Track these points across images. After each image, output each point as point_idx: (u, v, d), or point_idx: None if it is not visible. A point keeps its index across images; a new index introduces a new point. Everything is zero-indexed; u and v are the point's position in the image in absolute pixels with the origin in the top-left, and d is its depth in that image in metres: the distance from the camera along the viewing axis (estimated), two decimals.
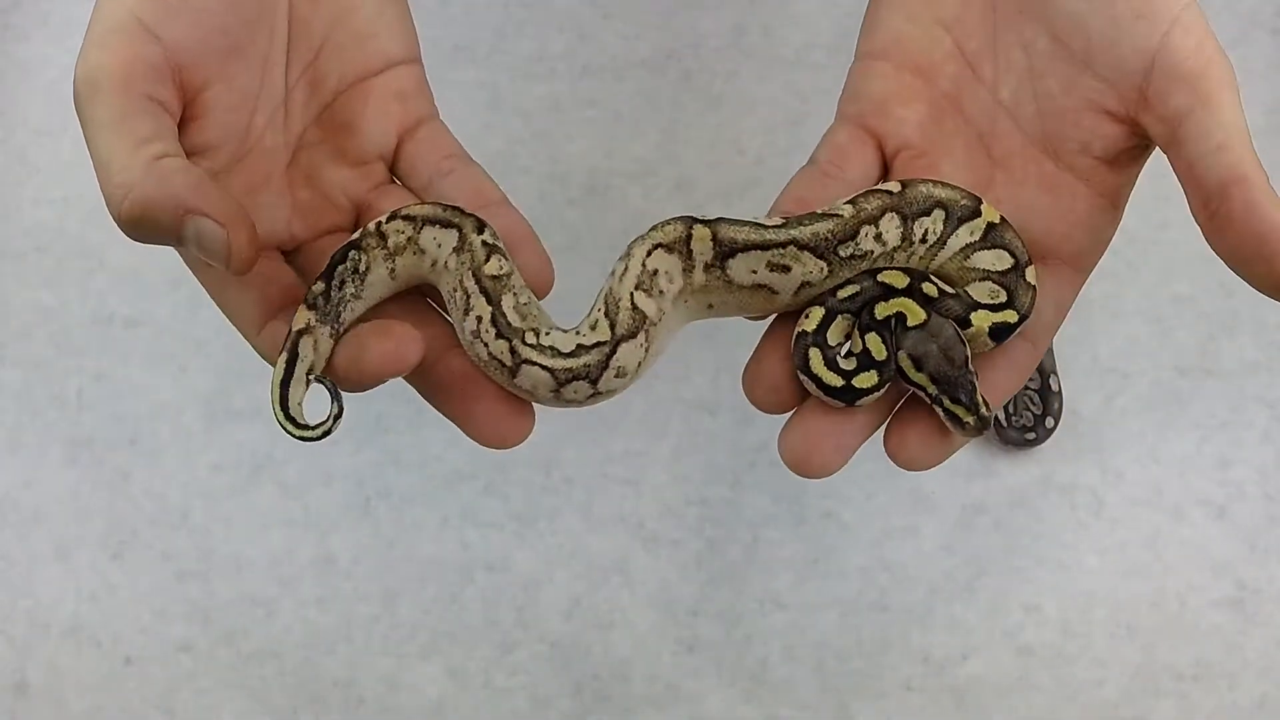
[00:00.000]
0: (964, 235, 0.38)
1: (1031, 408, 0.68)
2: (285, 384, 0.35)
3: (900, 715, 0.66)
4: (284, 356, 0.35)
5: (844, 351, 0.37)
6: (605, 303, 0.37)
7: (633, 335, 0.36)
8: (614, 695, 0.66)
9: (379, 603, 0.68)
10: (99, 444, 0.70)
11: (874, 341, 0.36)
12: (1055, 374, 0.68)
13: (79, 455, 0.70)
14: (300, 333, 0.35)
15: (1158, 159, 0.67)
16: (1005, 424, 0.68)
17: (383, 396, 0.73)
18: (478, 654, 0.67)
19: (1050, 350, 0.69)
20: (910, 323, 0.36)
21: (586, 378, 0.36)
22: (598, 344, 0.36)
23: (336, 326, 0.36)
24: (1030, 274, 0.36)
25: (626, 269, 0.37)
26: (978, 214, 0.37)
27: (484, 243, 0.36)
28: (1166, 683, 0.66)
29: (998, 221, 0.37)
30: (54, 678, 0.67)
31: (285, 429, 0.35)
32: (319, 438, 0.35)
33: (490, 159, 0.79)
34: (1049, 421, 0.68)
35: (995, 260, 0.37)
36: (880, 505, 0.69)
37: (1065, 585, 0.68)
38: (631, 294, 0.36)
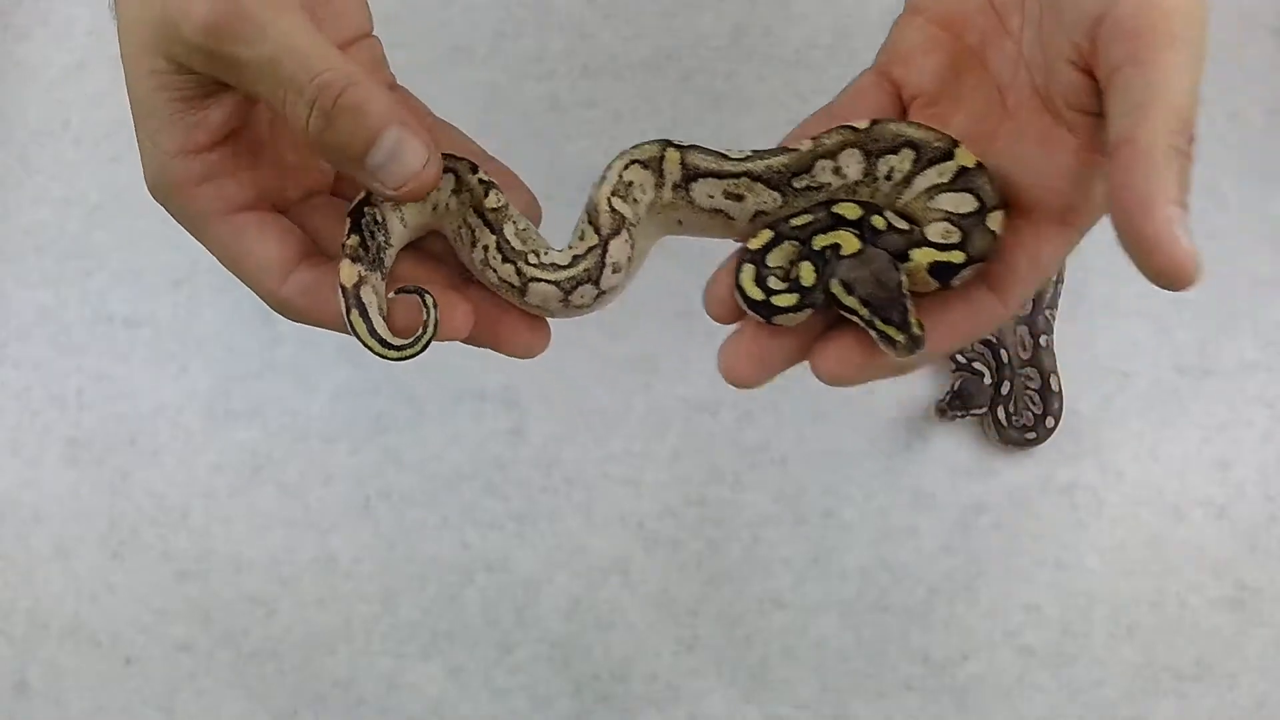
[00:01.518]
0: (932, 176, 0.38)
1: (1031, 407, 0.68)
2: (371, 329, 0.37)
3: (900, 715, 0.66)
4: (354, 312, 0.37)
5: (786, 275, 0.38)
6: (588, 214, 0.40)
7: (617, 233, 0.40)
8: (614, 695, 0.66)
9: (379, 603, 0.68)
10: (99, 444, 0.70)
11: (805, 269, 0.38)
12: (1055, 374, 0.68)
13: (79, 455, 0.70)
14: (357, 285, 0.37)
15: None
16: (1005, 424, 0.68)
17: (383, 397, 0.74)
18: (478, 654, 0.67)
19: (1050, 350, 0.69)
20: (844, 252, 0.38)
21: (589, 280, 0.39)
22: (590, 249, 0.39)
23: (383, 271, 0.38)
24: (994, 220, 0.37)
25: (605, 179, 0.41)
26: (950, 157, 0.38)
27: (480, 180, 0.40)
28: (1166, 683, 0.66)
29: (972, 166, 0.38)
30: (54, 678, 0.67)
31: (389, 357, 0.37)
32: (423, 348, 0.38)
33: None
34: (1049, 421, 0.68)
35: (958, 203, 0.38)
36: (880, 505, 0.69)
37: (1065, 585, 0.68)
38: (609, 199, 0.40)
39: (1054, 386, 0.68)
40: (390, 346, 0.37)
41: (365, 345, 0.37)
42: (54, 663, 0.68)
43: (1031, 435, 0.68)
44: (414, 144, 0.35)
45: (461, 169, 0.40)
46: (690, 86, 0.76)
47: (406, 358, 0.38)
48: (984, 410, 0.67)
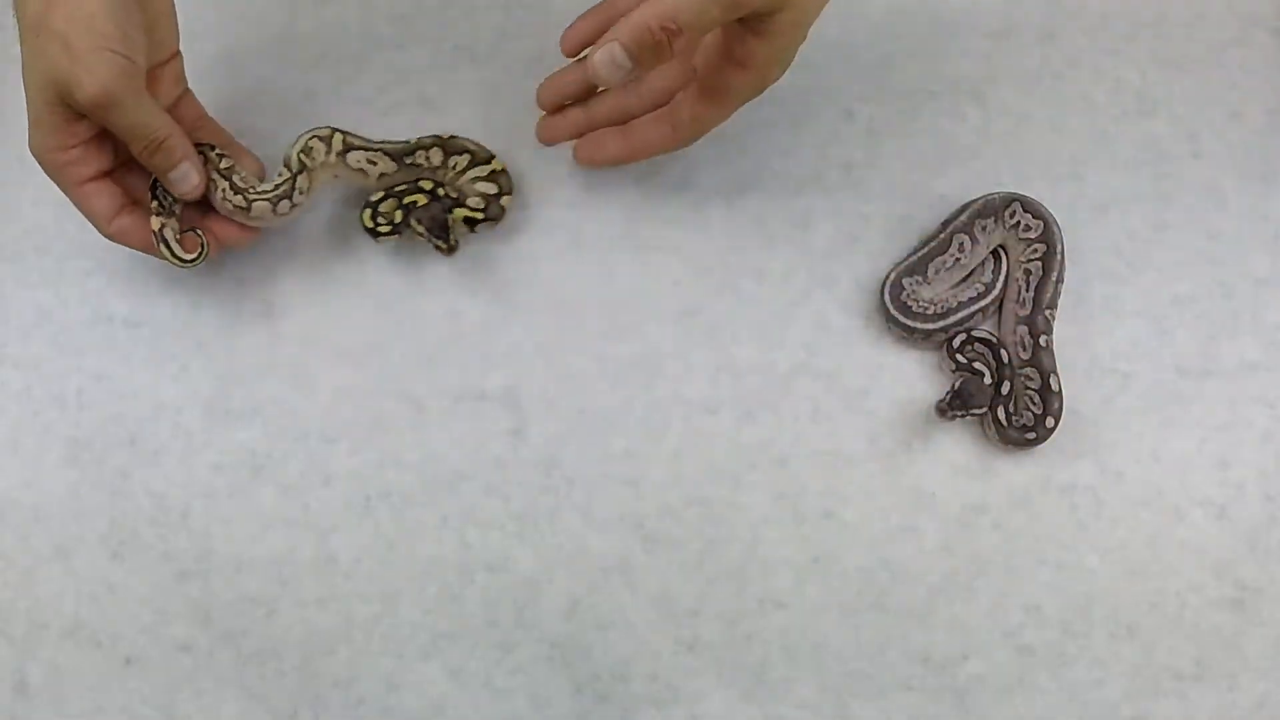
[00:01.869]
0: (478, 171, 0.70)
1: (1031, 407, 0.68)
2: (172, 251, 0.64)
3: (900, 715, 0.66)
4: (161, 244, 0.64)
5: (388, 216, 0.69)
6: (284, 163, 0.68)
7: (302, 170, 0.67)
8: (614, 695, 0.66)
9: (379, 603, 0.68)
10: (99, 444, 0.70)
11: (398, 213, 0.69)
12: (1055, 374, 0.68)
13: (79, 455, 0.70)
14: (161, 227, 0.64)
15: (1161, 162, 0.67)
16: (1006, 424, 0.68)
17: (383, 397, 0.74)
18: (478, 654, 0.67)
19: (1050, 350, 0.69)
20: (419, 204, 0.69)
21: (287, 196, 0.67)
22: (284, 180, 0.67)
23: (177, 216, 0.66)
24: (505, 200, 0.70)
25: (296, 143, 0.68)
26: (489, 162, 0.70)
27: (217, 154, 0.66)
28: (1166, 683, 0.66)
29: (499, 170, 0.70)
30: (54, 678, 0.67)
31: (185, 266, 0.65)
32: (203, 259, 0.66)
33: None
34: (1049, 421, 0.67)
35: (488, 188, 0.70)
36: (880, 505, 0.69)
37: (1065, 585, 0.68)
38: (298, 155, 0.67)
39: (1054, 386, 0.68)
40: (184, 261, 0.65)
41: (169, 260, 0.64)
42: (54, 663, 0.68)
43: (1031, 435, 0.68)
44: (194, 172, 0.64)
45: (207, 150, 0.66)
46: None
47: (193, 266, 0.65)
48: (984, 410, 0.67)
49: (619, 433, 0.70)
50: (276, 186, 0.66)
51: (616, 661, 0.67)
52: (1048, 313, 0.69)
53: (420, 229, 0.67)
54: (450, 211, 0.68)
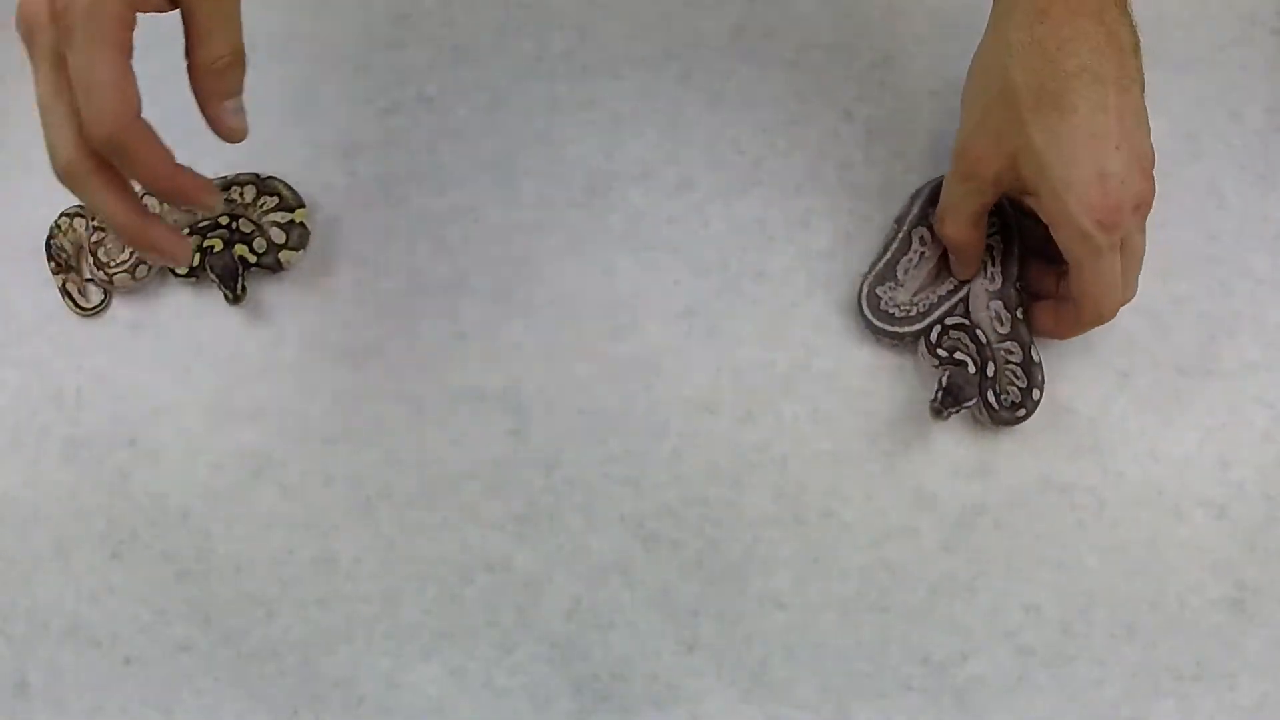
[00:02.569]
0: (279, 216, 0.71)
1: (1016, 382, 0.68)
2: (76, 304, 0.71)
3: (900, 715, 0.66)
4: (66, 298, 0.71)
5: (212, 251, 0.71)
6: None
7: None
8: (614, 695, 0.66)
9: (379, 603, 0.68)
10: (99, 444, 0.70)
11: (195, 253, 0.70)
12: (1034, 344, 0.68)
13: (78, 455, 0.70)
14: (65, 283, 0.71)
15: (1161, 161, 0.67)
16: (996, 406, 0.67)
17: (383, 398, 0.74)
18: (478, 654, 0.67)
19: (1025, 321, 0.68)
20: (215, 250, 0.70)
21: (142, 261, 0.70)
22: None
23: (76, 270, 0.72)
24: (287, 256, 0.71)
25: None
26: (292, 211, 0.71)
27: (91, 226, 0.71)
28: (1166, 683, 0.66)
29: (298, 222, 0.71)
30: (54, 678, 0.67)
31: (80, 314, 0.71)
32: (99, 310, 0.71)
33: (490, 160, 0.79)
34: (1035, 394, 0.67)
35: (278, 235, 0.71)
36: (880, 505, 0.69)
37: (1065, 585, 0.68)
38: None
39: (1035, 358, 0.68)
40: (85, 310, 0.71)
41: (74, 311, 0.71)
42: (54, 663, 0.68)
43: (1022, 413, 0.68)
44: (243, 110, 0.53)
45: (86, 217, 0.71)
46: (690, 86, 0.76)
47: (96, 313, 0.71)
48: (976, 400, 0.67)
49: (619, 433, 0.70)
50: (130, 254, 0.70)
51: (616, 661, 0.67)
52: (1017, 284, 0.69)
53: (212, 276, 0.70)
54: (234, 246, 0.70)
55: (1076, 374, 0.70)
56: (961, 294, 0.70)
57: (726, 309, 0.71)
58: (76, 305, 0.71)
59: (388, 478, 0.69)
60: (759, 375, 0.70)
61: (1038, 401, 0.68)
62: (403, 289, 0.72)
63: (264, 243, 0.71)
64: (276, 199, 0.71)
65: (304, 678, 0.67)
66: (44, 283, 0.72)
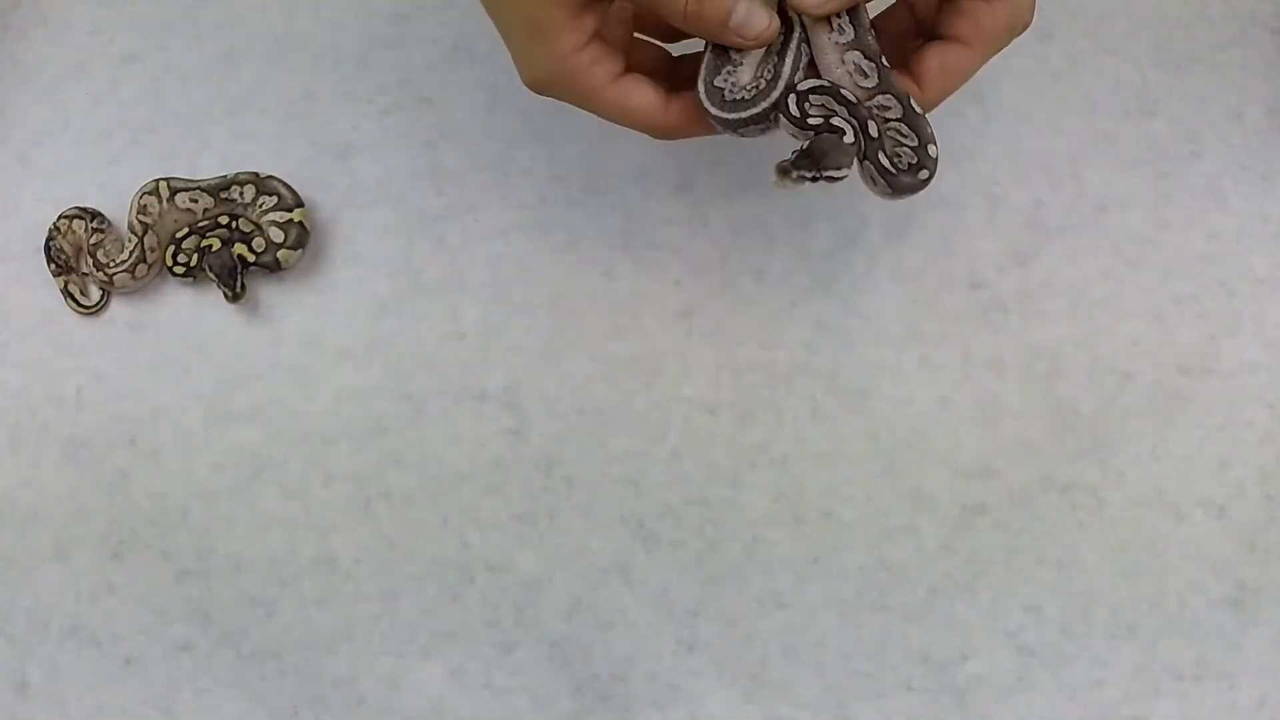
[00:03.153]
0: (278, 215, 0.71)
1: (905, 141, 0.58)
2: (78, 303, 0.72)
3: (900, 715, 0.66)
4: (68, 299, 0.72)
5: (187, 256, 0.71)
6: (129, 230, 0.71)
7: (146, 230, 0.70)
8: (614, 695, 0.66)
9: (379, 603, 0.68)
10: (99, 444, 0.70)
11: (194, 252, 0.71)
12: (909, 96, 0.59)
13: (78, 455, 0.70)
14: (66, 284, 0.72)
15: (1161, 161, 0.67)
16: (893, 170, 0.58)
17: (383, 397, 0.74)
18: (478, 654, 0.67)
19: (890, 69, 0.59)
20: (213, 249, 0.71)
21: (141, 260, 0.70)
22: (135, 243, 0.70)
23: (77, 271, 0.73)
24: (285, 255, 0.71)
25: (130, 208, 0.71)
26: (291, 211, 0.71)
27: (90, 227, 0.72)
28: (1166, 683, 0.66)
29: (297, 221, 0.71)
30: (54, 678, 0.67)
31: (83, 312, 0.72)
32: (99, 308, 0.72)
33: (490, 160, 0.79)
34: (930, 149, 0.58)
35: (277, 234, 0.71)
36: (880, 505, 0.69)
37: (1065, 585, 0.68)
38: (136, 217, 0.71)
39: (915, 109, 0.58)
40: (87, 308, 0.72)
41: (75, 311, 0.72)
42: (54, 663, 0.68)
43: (924, 173, 0.58)
44: (760, 12, 0.53)
45: (86, 219, 0.71)
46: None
47: (96, 311, 0.72)
48: (843, 172, 0.57)
49: (619, 433, 0.70)
50: (130, 254, 0.70)
51: (616, 661, 0.67)
52: (872, 33, 0.59)
53: (210, 275, 0.70)
54: (233, 245, 0.70)
55: (1077, 374, 0.70)
56: (804, 37, 0.59)
57: (726, 309, 0.71)
58: (79, 304, 0.71)
59: (388, 478, 0.69)
60: (759, 375, 0.70)
61: (935, 158, 0.58)
62: (402, 289, 0.72)
63: (263, 242, 0.70)
64: (275, 198, 0.71)
65: (304, 678, 0.67)
66: (44, 283, 0.72)
